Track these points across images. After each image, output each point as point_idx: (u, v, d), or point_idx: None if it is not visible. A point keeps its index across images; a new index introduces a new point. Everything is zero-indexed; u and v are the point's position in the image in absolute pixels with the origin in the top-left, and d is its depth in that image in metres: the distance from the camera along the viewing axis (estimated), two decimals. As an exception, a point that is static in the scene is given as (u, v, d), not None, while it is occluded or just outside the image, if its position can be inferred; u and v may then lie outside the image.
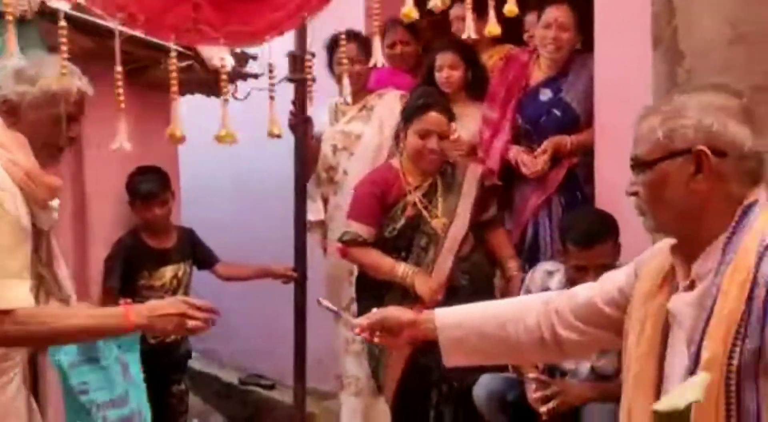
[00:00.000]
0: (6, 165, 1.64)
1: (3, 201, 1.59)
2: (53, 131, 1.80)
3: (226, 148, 4.51)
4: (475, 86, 3.19)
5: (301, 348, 3.08)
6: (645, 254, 1.50)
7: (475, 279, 2.70)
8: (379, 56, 1.70)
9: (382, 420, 3.13)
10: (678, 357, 1.30)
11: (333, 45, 3.17)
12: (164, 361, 3.06)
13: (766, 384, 1.20)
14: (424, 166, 2.76)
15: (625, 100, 2.57)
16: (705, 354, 1.22)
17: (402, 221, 2.74)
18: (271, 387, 4.27)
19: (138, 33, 2.78)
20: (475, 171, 2.81)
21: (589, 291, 1.55)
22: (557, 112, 2.94)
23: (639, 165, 1.32)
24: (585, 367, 2.33)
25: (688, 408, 0.95)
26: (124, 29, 2.78)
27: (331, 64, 3.22)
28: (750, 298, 1.20)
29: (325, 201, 3.29)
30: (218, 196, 4.59)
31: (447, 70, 3.11)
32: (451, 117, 2.79)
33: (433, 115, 2.71)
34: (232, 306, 4.06)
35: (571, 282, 2.28)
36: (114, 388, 2.36)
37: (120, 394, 2.37)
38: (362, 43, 3.16)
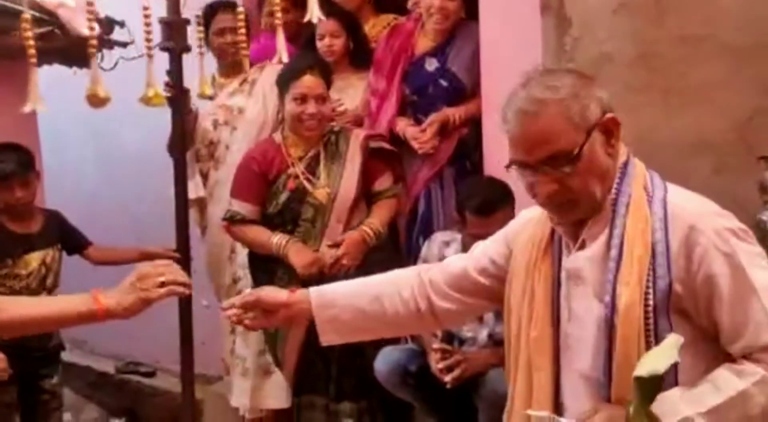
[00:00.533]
0: None
1: None
2: None
3: (90, 123, 4.25)
4: (358, 56, 3.12)
5: (188, 333, 2.93)
6: (512, 227, 1.57)
7: (367, 251, 2.64)
8: (315, 10, 1.60)
9: (270, 399, 3.07)
10: (585, 311, 1.36)
11: (209, 15, 3.00)
12: (34, 355, 2.83)
13: (677, 320, 1.29)
14: (304, 133, 2.67)
15: (511, 68, 2.58)
16: (623, 300, 1.29)
17: (285, 195, 2.66)
18: (151, 375, 4.09)
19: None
20: (358, 136, 2.74)
21: (461, 261, 1.60)
22: (444, 82, 2.93)
23: (568, 159, 1.32)
24: (483, 334, 2.35)
25: (666, 370, 0.97)
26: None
27: (206, 35, 3.05)
28: (653, 242, 1.29)
29: (205, 177, 3.12)
30: (83, 175, 4.29)
31: (329, 38, 3.02)
32: (328, 80, 2.71)
33: (309, 79, 2.62)
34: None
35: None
36: None
37: None
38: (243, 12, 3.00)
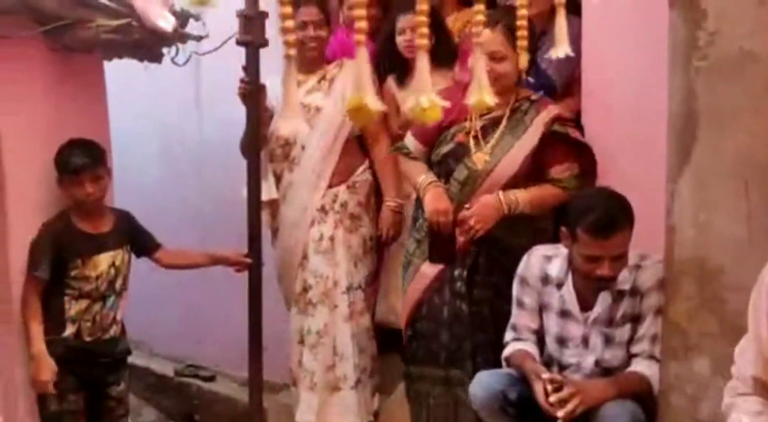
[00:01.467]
0: None
1: None
2: None
3: (154, 119, 4.13)
4: (441, 52, 2.91)
5: (257, 340, 2.80)
6: None
7: (515, 233, 2.44)
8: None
9: (336, 417, 2.93)
10: None
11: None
12: (101, 361, 2.71)
13: None
14: None
15: (621, 66, 2.42)
16: None
17: (449, 146, 2.54)
18: (211, 379, 3.97)
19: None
20: (551, 112, 2.48)
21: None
22: (531, 79, 2.74)
23: None
24: (589, 360, 2.13)
25: None
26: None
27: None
28: None
29: (278, 178, 2.98)
30: (146, 172, 4.19)
31: (410, 33, 2.85)
32: (511, 37, 2.36)
33: (486, 34, 2.37)
34: (162, 291, 3.75)
35: (581, 273, 2.07)
36: None
37: None
38: (322, 5, 2.86)
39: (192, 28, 2.91)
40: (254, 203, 2.75)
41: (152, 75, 3.34)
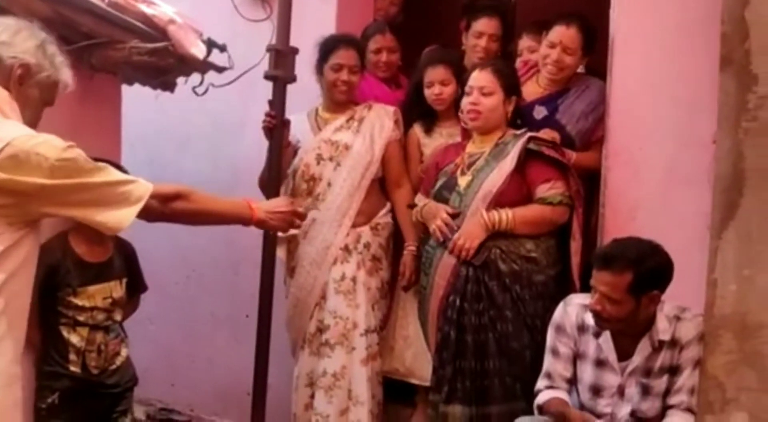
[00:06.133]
0: None
1: None
2: (36, 116, 1.74)
3: (146, 149, 3.99)
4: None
5: (261, 388, 2.69)
6: None
7: (505, 259, 2.53)
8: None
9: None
10: None
11: (329, 48, 2.87)
12: (110, 392, 2.59)
13: None
14: (468, 123, 2.69)
15: (646, 123, 2.51)
16: None
17: (442, 180, 2.69)
18: (185, 424, 3.81)
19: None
20: (527, 134, 2.62)
21: None
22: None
23: None
24: (624, 411, 2.13)
25: None
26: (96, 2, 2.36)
27: (320, 68, 2.91)
28: None
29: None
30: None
31: (438, 86, 2.91)
32: (500, 78, 2.63)
33: (476, 72, 2.67)
34: (134, 328, 3.58)
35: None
36: None
37: None
38: (361, 51, 2.90)
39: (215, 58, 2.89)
40: (271, 238, 2.69)
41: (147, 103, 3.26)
